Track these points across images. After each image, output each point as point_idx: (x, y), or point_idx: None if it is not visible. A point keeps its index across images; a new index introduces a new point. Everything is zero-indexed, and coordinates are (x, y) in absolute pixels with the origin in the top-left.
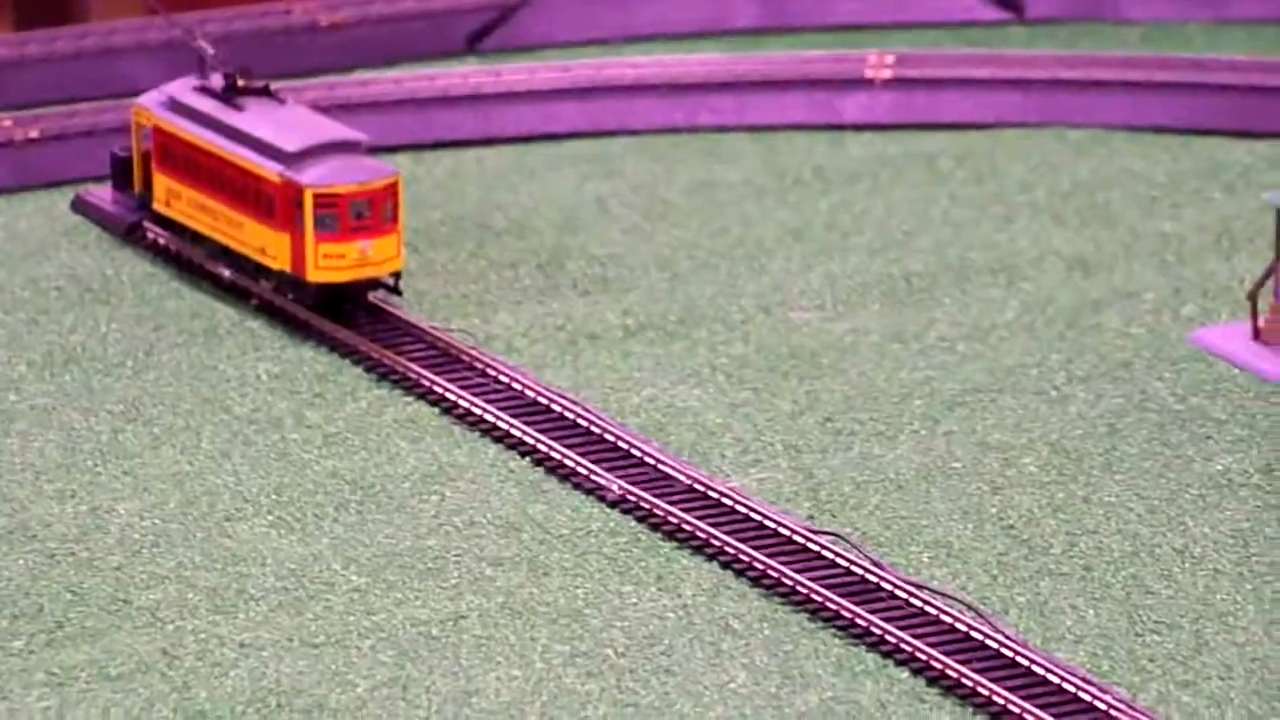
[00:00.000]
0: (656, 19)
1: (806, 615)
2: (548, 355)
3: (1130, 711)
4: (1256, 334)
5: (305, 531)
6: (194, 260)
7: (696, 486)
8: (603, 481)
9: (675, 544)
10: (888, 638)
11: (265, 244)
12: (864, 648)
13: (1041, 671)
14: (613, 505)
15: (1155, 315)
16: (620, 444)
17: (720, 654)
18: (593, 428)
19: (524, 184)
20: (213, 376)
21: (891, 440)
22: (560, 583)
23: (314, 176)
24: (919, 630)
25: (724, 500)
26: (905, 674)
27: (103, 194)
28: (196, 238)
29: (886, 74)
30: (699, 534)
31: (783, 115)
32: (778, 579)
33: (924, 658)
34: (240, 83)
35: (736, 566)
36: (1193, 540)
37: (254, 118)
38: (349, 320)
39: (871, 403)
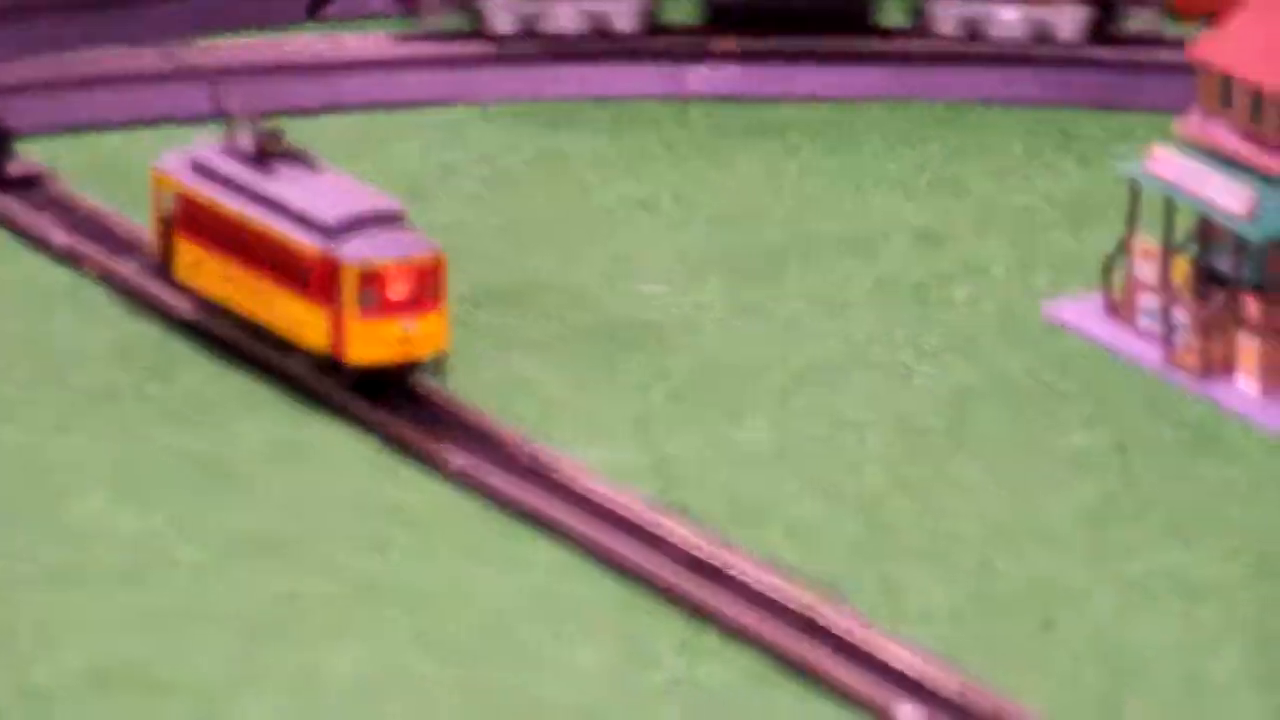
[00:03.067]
0: None
1: (652, 595)
2: None
3: (979, 692)
4: (1110, 308)
5: (146, 507)
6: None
7: (542, 465)
8: (444, 456)
9: (523, 524)
10: (733, 617)
11: (299, 320)
12: (709, 627)
13: (889, 652)
14: (454, 478)
15: (1007, 289)
16: (463, 419)
17: (567, 634)
18: (434, 400)
19: (369, 152)
20: (49, 347)
21: (740, 416)
22: (407, 563)
23: (354, 251)
24: (765, 611)
25: (571, 479)
26: (750, 654)
27: None
28: (221, 310)
29: (734, 46)
30: (546, 514)
31: (630, 86)
32: (624, 559)
33: (770, 639)
34: (271, 147)
35: (584, 547)
36: (1044, 519)
37: (288, 185)
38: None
39: (720, 378)
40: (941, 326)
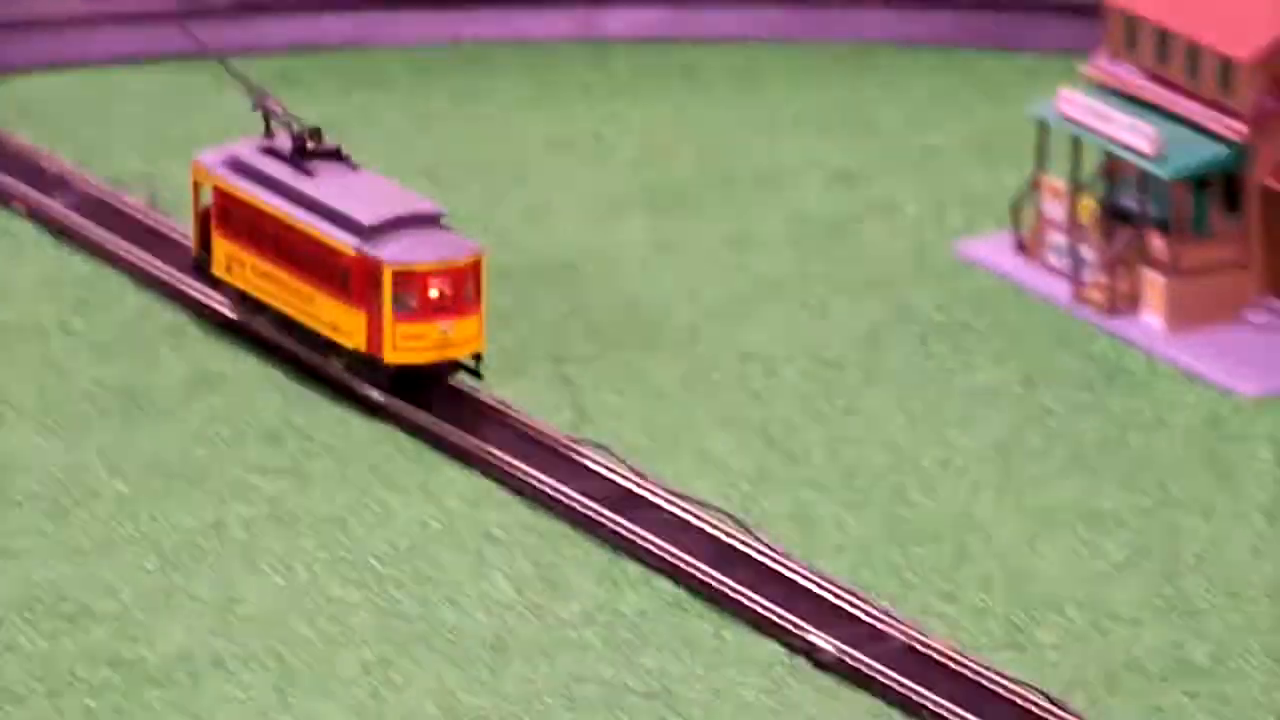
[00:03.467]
0: None
1: (569, 525)
2: None
3: (891, 621)
4: (1019, 246)
5: (70, 439)
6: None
7: (461, 394)
8: (366, 393)
9: (439, 453)
10: (650, 547)
11: (338, 320)
12: (626, 557)
13: (803, 582)
14: (373, 410)
15: (918, 227)
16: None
17: (483, 563)
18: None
19: (285, 92)
20: None
21: (654, 350)
22: (324, 491)
23: (393, 252)
24: (681, 540)
25: (487, 409)
26: (668, 584)
27: None
28: (259, 306)
29: None
30: (462, 443)
31: (547, 29)
32: (541, 489)
33: (686, 567)
34: (310, 145)
35: (499, 476)
36: (954, 452)
37: (326, 185)
38: (114, 227)
39: (634, 312)
40: (854, 263)
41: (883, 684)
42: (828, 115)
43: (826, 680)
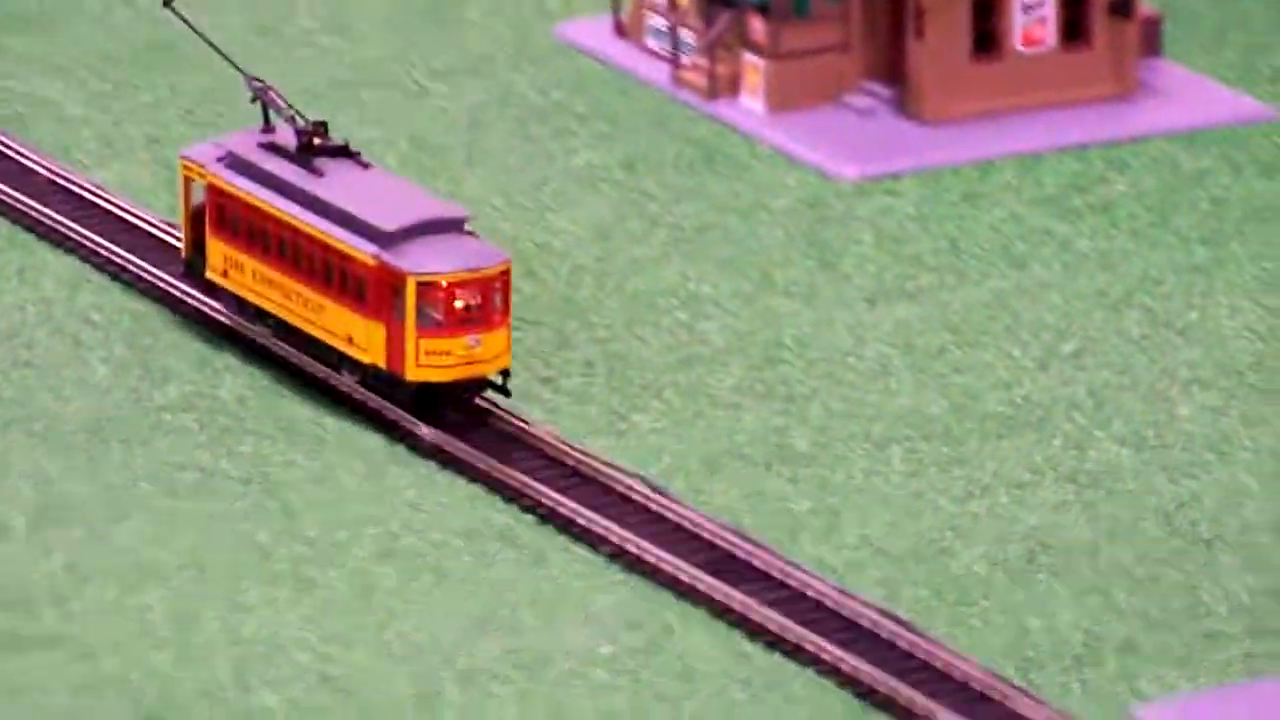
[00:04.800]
0: None
1: (167, 308)
2: None
3: (493, 408)
4: (619, 29)
5: None
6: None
7: (56, 180)
8: None
9: (35, 236)
10: (246, 332)
11: (353, 333)
12: (228, 342)
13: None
14: None
15: (518, 9)
16: None
17: (80, 347)
18: None
19: None
20: None
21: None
22: None
23: (416, 261)
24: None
25: (84, 193)
26: (265, 370)
27: None
28: (260, 314)
29: None
30: (59, 227)
31: None
32: (135, 271)
33: (280, 352)
34: (316, 141)
35: (97, 260)
36: (554, 234)
37: (338, 185)
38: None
39: (230, 91)
40: (455, 47)
41: (483, 469)
42: None
43: (426, 466)
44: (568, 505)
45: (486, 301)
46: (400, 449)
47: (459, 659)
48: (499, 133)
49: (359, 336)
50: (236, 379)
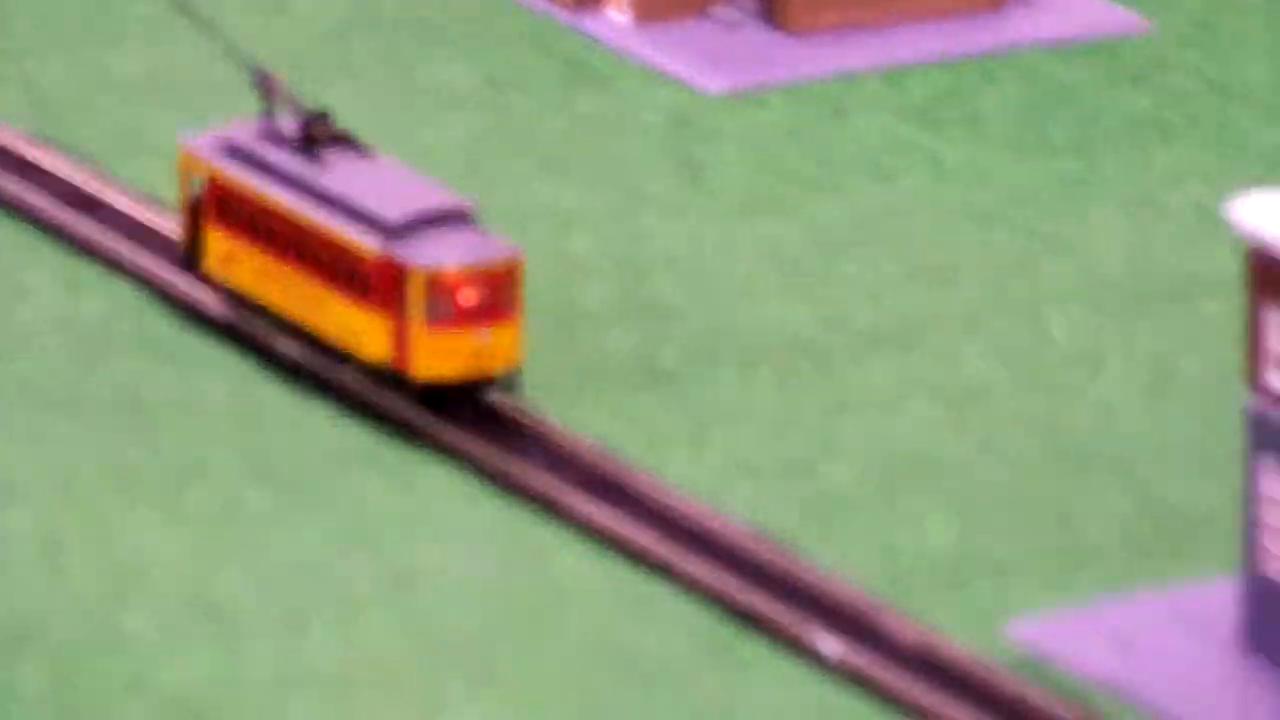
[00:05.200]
0: None
1: (29, 228)
2: None
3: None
4: None
5: None
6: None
7: None
8: None
9: None
10: (110, 251)
11: (356, 328)
12: (88, 260)
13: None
14: None
15: None
16: None
17: None
18: None
19: None
20: None
21: (118, 47)
22: None
23: (423, 254)
24: (144, 243)
25: None
26: (128, 287)
27: None
28: (258, 307)
29: None
30: None
31: None
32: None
33: (147, 272)
34: (319, 131)
35: None
36: (423, 151)
37: (341, 175)
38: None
39: (89, 6)
40: None
41: (352, 390)
42: None
43: (288, 388)
44: (435, 424)
45: (496, 296)
46: (263, 372)
47: (329, 579)
48: (364, 48)
49: (362, 332)
50: (98, 296)
